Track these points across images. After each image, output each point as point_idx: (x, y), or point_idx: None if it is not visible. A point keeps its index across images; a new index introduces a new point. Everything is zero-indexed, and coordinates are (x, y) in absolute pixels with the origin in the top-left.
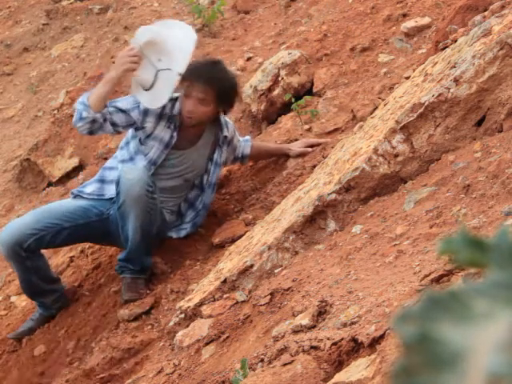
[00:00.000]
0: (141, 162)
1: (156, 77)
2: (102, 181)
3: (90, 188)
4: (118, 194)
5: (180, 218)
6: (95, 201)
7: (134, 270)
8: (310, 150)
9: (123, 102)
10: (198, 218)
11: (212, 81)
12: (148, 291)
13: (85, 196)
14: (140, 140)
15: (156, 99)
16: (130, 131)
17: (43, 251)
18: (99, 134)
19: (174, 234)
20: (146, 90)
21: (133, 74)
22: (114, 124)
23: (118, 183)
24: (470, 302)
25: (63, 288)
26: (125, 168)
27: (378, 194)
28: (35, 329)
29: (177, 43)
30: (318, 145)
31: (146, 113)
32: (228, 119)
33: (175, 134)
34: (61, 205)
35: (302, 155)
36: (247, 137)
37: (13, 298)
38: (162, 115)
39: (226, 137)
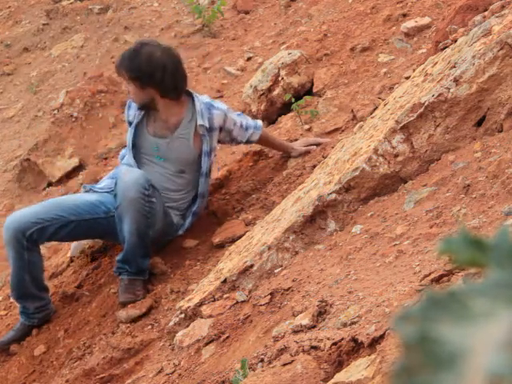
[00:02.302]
0: (128, 153)
1: None
2: (114, 177)
3: (103, 183)
4: (115, 195)
5: None
6: (105, 195)
7: (130, 272)
8: (313, 147)
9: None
10: (194, 207)
11: (121, 63)
12: (146, 292)
13: (96, 190)
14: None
15: None
16: None
17: (42, 252)
18: None
19: (180, 231)
20: None
21: None
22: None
23: (116, 184)
24: (470, 302)
25: (50, 301)
26: (123, 170)
27: (378, 194)
28: (16, 339)
29: None
30: (319, 144)
31: (129, 107)
32: (218, 105)
33: (137, 113)
34: (70, 198)
35: (303, 155)
36: (259, 122)
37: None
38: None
39: (202, 126)
